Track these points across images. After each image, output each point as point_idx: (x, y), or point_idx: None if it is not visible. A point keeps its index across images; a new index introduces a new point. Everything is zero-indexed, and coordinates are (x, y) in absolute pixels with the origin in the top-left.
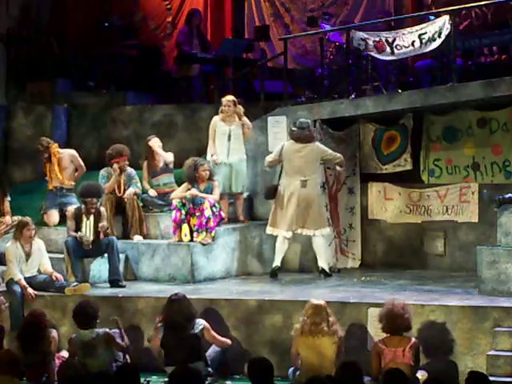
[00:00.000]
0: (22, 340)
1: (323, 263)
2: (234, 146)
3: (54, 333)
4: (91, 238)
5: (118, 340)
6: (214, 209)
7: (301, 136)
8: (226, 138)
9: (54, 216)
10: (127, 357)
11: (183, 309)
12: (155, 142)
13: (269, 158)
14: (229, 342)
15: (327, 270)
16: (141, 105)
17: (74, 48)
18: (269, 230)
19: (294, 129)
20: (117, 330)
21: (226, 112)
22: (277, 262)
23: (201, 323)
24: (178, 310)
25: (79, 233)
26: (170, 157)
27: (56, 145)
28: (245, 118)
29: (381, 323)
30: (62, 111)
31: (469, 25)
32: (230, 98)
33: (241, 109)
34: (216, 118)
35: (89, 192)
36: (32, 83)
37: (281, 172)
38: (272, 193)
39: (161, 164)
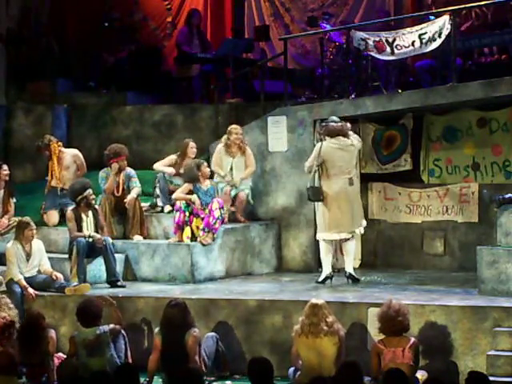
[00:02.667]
0: (20, 341)
1: (351, 267)
2: (237, 177)
3: (52, 333)
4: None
5: (121, 341)
6: (221, 211)
7: (336, 128)
8: (229, 169)
9: (53, 216)
10: (128, 356)
11: (179, 316)
12: (192, 147)
13: (308, 163)
14: (198, 365)
15: (354, 274)
16: (141, 105)
17: (73, 48)
18: (320, 235)
19: (330, 124)
20: (122, 331)
21: (234, 141)
22: (327, 271)
23: (193, 330)
24: (174, 317)
25: (90, 233)
26: None
27: (59, 143)
28: (248, 150)
29: (378, 322)
30: (62, 111)
31: (470, 26)
32: (238, 126)
33: (245, 139)
34: (220, 148)
35: (82, 187)
36: (32, 83)
37: (315, 173)
38: (318, 194)
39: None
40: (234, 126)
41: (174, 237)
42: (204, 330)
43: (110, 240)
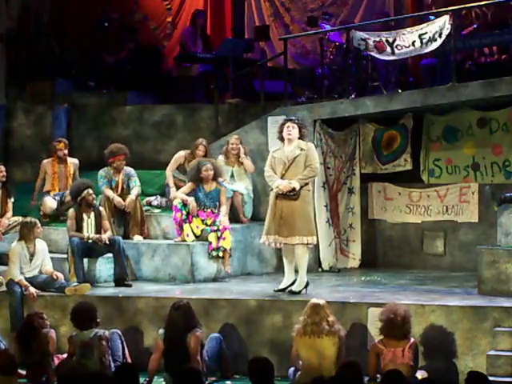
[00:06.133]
0: (19, 341)
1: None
2: (238, 182)
3: (51, 333)
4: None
5: (117, 342)
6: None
7: None
8: (229, 177)
9: (49, 201)
10: (126, 355)
11: (184, 319)
12: (199, 150)
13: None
14: (198, 365)
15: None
16: (141, 105)
17: (73, 48)
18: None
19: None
20: (117, 331)
21: (232, 150)
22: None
23: (196, 331)
24: (178, 320)
25: (90, 234)
26: None
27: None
28: (246, 159)
29: (380, 323)
30: (62, 111)
31: (471, 29)
32: (237, 136)
33: (245, 147)
34: (220, 159)
35: (79, 187)
36: (32, 83)
37: None
38: None
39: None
40: (233, 135)
41: (177, 237)
42: (204, 330)
43: (120, 239)
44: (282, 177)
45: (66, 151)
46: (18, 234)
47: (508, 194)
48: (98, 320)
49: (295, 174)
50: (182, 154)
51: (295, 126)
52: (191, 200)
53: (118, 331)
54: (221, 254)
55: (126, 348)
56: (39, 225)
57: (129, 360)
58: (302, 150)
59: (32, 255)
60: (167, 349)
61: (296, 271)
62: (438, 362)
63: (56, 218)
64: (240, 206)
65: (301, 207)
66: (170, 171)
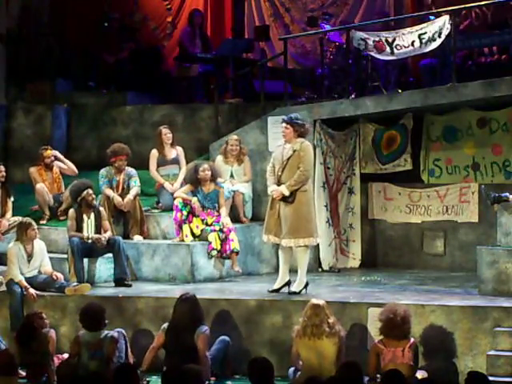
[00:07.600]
0: (19, 341)
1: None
2: (238, 183)
3: (51, 333)
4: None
5: (121, 341)
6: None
7: None
8: (229, 177)
9: (41, 188)
10: (129, 355)
11: (190, 311)
12: (164, 134)
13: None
14: (207, 364)
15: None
16: (141, 105)
17: (73, 48)
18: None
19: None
20: (122, 330)
21: (231, 151)
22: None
23: (204, 329)
24: (185, 312)
25: (89, 235)
26: (179, 150)
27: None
28: (246, 158)
29: (380, 323)
30: (62, 111)
31: (469, 24)
32: (236, 137)
33: (244, 147)
34: (219, 159)
35: (79, 188)
36: (32, 83)
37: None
38: None
39: (172, 155)
40: (233, 136)
41: (176, 238)
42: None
43: (120, 239)
44: (279, 178)
45: (52, 157)
46: (15, 235)
47: (503, 195)
48: (107, 321)
49: (290, 176)
50: (153, 151)
51: (288, 125)
52: (195, 200)
53: (123, 331)
54: (229, 256)
55: (129, 348)
56: (35, 226)
57: (131, 360)
58: (294, 151)
59: (30, 256)
60: (170, 341)
61: (292, 271)
62: (438, 361)
63: (55, 216)
64: (241, 206)
65: (295, 210)
66: (154, 170)
